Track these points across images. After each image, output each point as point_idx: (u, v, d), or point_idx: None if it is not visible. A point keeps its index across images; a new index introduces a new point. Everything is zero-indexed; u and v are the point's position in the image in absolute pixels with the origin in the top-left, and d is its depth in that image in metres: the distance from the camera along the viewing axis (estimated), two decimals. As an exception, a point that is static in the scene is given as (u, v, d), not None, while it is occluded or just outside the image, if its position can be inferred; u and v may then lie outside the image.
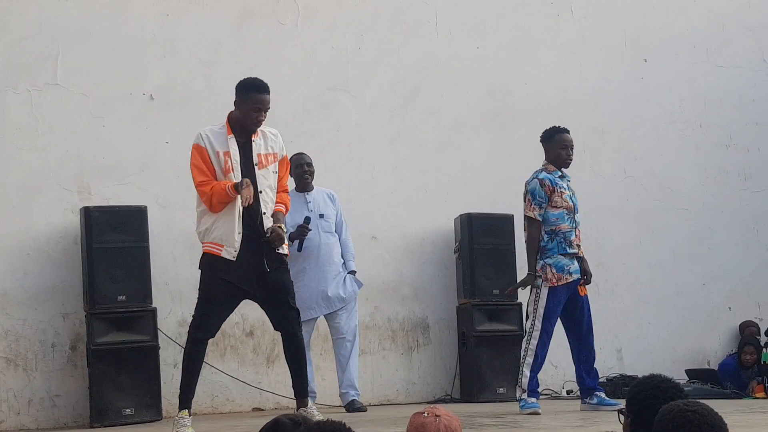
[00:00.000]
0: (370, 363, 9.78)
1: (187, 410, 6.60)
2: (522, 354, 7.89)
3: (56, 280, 8.68)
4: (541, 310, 7.80)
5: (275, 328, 7.13)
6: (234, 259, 6.57)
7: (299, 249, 8.39)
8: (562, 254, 7.88)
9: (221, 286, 6.63)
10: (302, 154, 8.75)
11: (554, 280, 7.82)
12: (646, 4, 11.52)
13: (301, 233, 8.34)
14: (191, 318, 6.80)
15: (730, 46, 11.84)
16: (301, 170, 8.61)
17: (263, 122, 6.81)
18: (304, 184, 8.66)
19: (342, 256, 8.72)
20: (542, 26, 10.98)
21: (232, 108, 6.86)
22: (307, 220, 8.41)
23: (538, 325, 7.81)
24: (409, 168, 10.19)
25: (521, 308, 9.84)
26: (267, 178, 6.76)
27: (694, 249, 11.47)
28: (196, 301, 8.91)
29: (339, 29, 10.04)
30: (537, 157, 10.68)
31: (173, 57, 9.33)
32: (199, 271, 6.80)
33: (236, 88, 6.87)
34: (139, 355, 8.39)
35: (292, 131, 9.14)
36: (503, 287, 9.85)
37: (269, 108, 6.82)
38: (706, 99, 11.66)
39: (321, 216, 8.59)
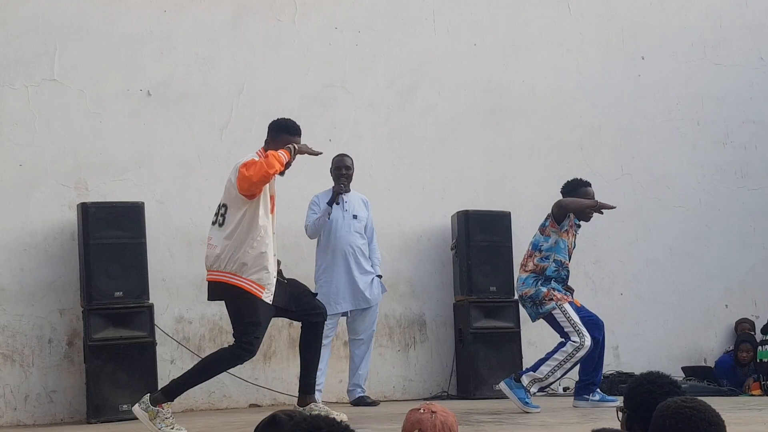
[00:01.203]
0: (367, 360, 9.79)
1: (169, 403, 6.59)
2: (560, 358, 7.77)
3: (53, 276, 8.68)
4: (578, 322, 7.83)
5: (299, 319, 7.11)
6: (271, 303, 6.63)
7: (330, 203, 8.56)
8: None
9: (265, 309, 6.65)
10: (344, 156, 8.89)
11: (564, 298, 7.92)
12: (644, 2, 11.52)
13: (338, 191, 8.59)
14: (239, 340, 6.60)
15: (727, 44, 11.84)
16: (338, 172, 8.78)
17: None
18: (336, 184, 8.79)
19: (369, 258, 8.87)
20: (539, 23, 10.98)
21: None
22: (344, 185, 8.66)
23: (586, 334, 7.81)
24: (406, 165, 10.19)
25: (518, 305, 9.85)
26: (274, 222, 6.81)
27: (690, 247, 11.48)
28: (192, 297, 9.02)
29: (336, 26, 10.03)
30: (534, 154, 10.74)
31: (170, 53, 9.33)
32: (234, 298, 6.66)
33: (269, 127, 6.88)
34: (136, 351, 8.39)
35: (289, 128, 9.15)
36: (500, 284, 9.87)
37: None
38: (703, 97, 11.67)
39: (354, 217, 8.75)
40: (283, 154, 6.58)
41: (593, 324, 8.05)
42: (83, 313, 8.41)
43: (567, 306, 7.88)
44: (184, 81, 9.37)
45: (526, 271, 8.04)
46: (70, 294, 8.65)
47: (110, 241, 8.39)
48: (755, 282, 11.72)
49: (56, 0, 8.96)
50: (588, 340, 7.79)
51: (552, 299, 7.88)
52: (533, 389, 7.80)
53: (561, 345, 7.84)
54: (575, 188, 8.23)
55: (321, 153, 6.96)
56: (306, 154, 6.82)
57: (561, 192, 8.30)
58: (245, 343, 6.58)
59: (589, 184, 8.28)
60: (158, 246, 8.92)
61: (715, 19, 11.81)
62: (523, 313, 9.84)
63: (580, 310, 8.06)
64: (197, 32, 9.44)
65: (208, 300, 6.90)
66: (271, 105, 9.28)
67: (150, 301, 8.52)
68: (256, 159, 6.56)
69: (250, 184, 6.46)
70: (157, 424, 6.44)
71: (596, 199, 8.18)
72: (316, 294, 7.18)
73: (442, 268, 10.17)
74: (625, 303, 11.05)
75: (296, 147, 6.70)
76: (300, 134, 6.83)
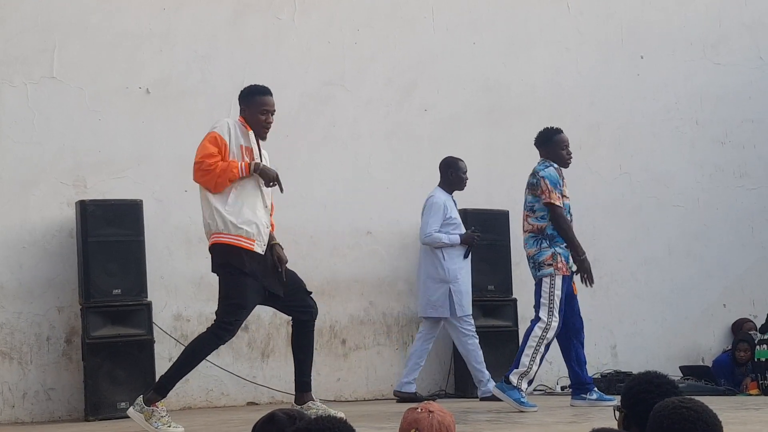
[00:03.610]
0: (365, 358, 9.78)
1: (163, 401, 6.60)
2: (533, 344, 7.66)
3: (52, 274, 8.67)
4: (556, 300, 7.71)
5: (288, 313, 7.10)
6: (263, 253, 6.64)
7: (465, 257, 9.07)
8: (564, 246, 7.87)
9: (251, 291, 6.66)
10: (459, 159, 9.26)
11: (564, 269, 7.80)
12: (643, 0, 11.52)
13: (471, 239, 9.00)
14: (220, 320, 6.66)
15: (726, 43, 11.85)
16: (465, 176, 9.20)
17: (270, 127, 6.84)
18: (458, 187, 9.20)
19: None
20: (538, 22, 10.98)
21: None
22: (477, 229, 9.04)
23: (557, 316, 7.71)
24: (405, 163, 10.19)
25: (516, 304, 9.87)
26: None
27: (689, 246, 11.48)
28: (191, 295, 9.02)
29: (335, 24, 10.03)
30: (532, 152, 10.70)
31: (169, 51, 9.32)
32: (220, 267, 6.70)
33: (240, 97, 6.92)
34: (134, 348, 8.40)
35: (288, 126, 9.15)
36: (498, 283, 9.87)
37: (275, 111, 6.83)
38: (702, 96, 11.68)
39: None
40: (242, 170, 6.57)
41: (572, 322, 7.96)
42: (81, 310, 8.41)
43: (558, 281, 7.73)
44: (183, 79, 9.36)
45: (525, 232, 7.97)
46: (68, 291, 8.65)
47: (109, 238, 8.40)
48: (753, 281, 11.73)
49: (55, -3, 8.96)
50: (556, 322, 7.66)
51: (551, 266, 7.77)
52: (524, 385, 7.72)
53: (528, 331, 7.76)
54: (549, 138, 8.08)
55: (282, 192, 6.85)
56: (271, 181, 6.69)
57: (535, 145, 8.15)
58: (226, 323, 6.61)
59: (560, 131, 8.11)
60: (157, 244, 8.92)
61: (714, 18, 11.81)
62: (521, 311, 9.88)
63: (572, 300, 7.96)
64: (196, 30, 9.43)
65: (212, 272, 6.89)
66: (270, 103, 9.27)
67: (148, 299, 8.53)
68: (217, 136, 6.59)
69: (197, 182, 6.63)
70: (153, 424, 6.44)
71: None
72: (311, 292, 7.12)
73: (440, 266, 10.15)
74: (623, 302, 11.06)
75: (261, 167, 6.64)
76: (271, 93, 6.87)
